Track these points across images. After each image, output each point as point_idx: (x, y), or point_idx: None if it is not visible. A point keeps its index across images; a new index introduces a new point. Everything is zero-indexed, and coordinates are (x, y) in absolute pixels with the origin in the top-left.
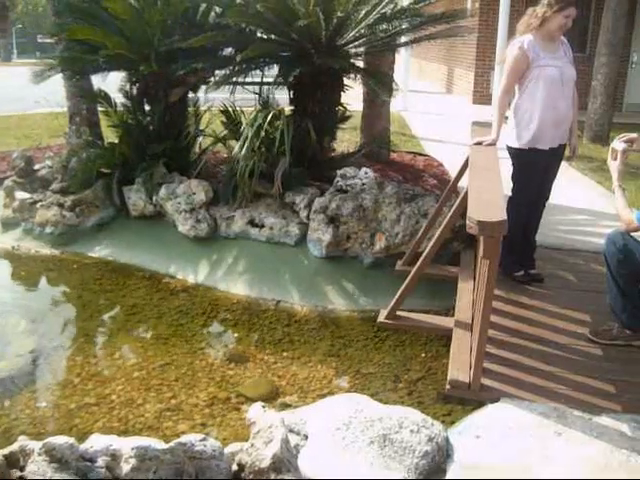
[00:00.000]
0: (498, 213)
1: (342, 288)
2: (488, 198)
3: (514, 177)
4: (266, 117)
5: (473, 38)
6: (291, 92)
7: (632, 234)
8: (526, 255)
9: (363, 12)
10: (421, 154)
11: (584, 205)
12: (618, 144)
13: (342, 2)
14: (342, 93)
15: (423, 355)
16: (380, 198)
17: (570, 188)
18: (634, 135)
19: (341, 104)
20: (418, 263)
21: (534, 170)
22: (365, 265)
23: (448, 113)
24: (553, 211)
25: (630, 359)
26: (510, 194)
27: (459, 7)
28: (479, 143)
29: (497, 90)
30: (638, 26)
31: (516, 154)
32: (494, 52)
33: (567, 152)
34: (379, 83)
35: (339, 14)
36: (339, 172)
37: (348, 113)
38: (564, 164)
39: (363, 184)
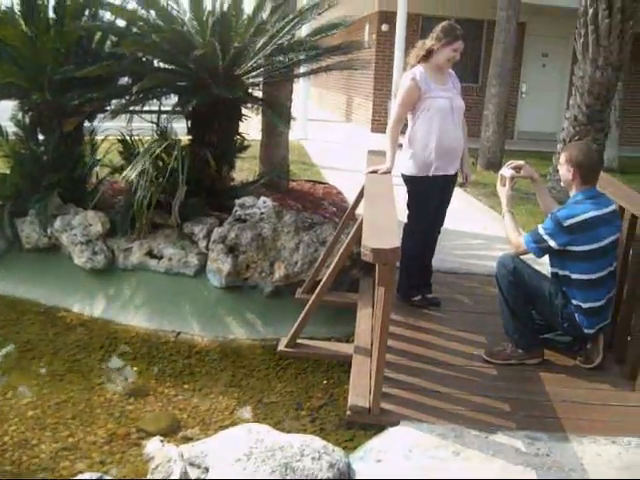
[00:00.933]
0: (391, 240)
1: (243, 318)
2: (382, 225)
3: (409, 204)
4: (162, 147)
5: (371, 68)
6: (189, 122)
7: (522, 257)
8: (423, 280)
9: (260, 43)
10: (320, 182)
11: (479, 229)
12: (506, 171)
13: (239, 33)
14: (241, 122)
15: (325, 382)
16: (279, 227)
17: (466, 213)
18: (521, 162)
19: (240, 133)
20: (316, 291)
21: (428, 197)
22: (265, 294)
23: (347, 141)
24: (450, 236)
25: (523, 377)
26: (406, 221)
27: (357, 38)
28: (374, 172)
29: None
30: (526, 58)
31: (410, 182)
32: (391, 82)
33: (460, 179)
34: (277, 114)
35: (236, 44)
36: (237, 202)
37: (247, 142)
38: (460, 190)
39: (262, 213)
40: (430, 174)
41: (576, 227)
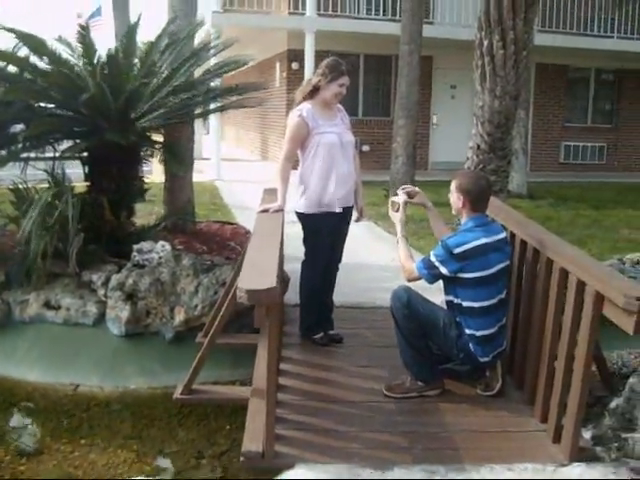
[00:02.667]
0: (267, 280)
1: (144, 366)
2: (260, 266)
3: (305, 241)
4: (54, 194)
5: (283, 106)
6: (86, 167)
7: (414, 285)
8: (324, 316)
9: (154, 85)
10: (229, 223)
11: (385, 262)
12: (398, 197)
13: (131, 75)
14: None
15: (228, 427)
16: (177, 271)
17: (374, 246)
18: (414, 188)
19: (140, 177)
20: (208, 336)
21: (323, 233)
22: (167, 340)
23: (262, 180)
24: (355, 269)
25: (423, 410)
26: (303, 258)
27: (270, 77)
28: (265, 210)
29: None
30: (435, 90)
31: (304, 219)
32: None
33: (355, 214)
34: (174, 158)
35: (129, 87)
36: (135, 247)
37: (148, 185)
38: (370, 222)
39: (160, 258)
40: (323, 211)
41: (466, 254)
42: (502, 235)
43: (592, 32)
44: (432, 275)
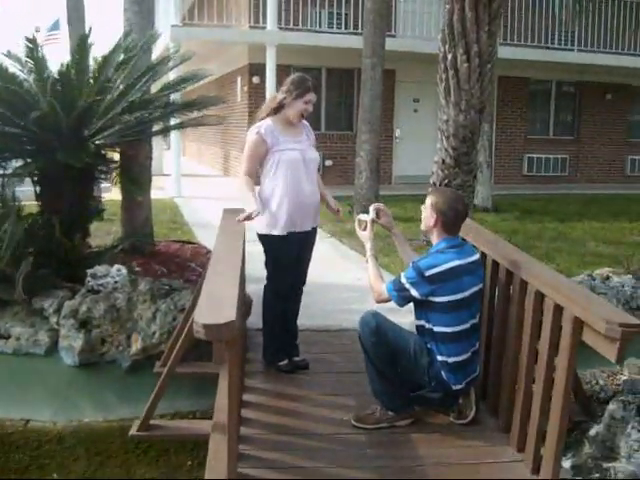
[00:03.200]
0: (226, 314)
1: (99, 398)
2: (219, 295)
3: (267, 264)
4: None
5: (244, 121)
6: (37, 186)
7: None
8: (288, 342)
9: (108, 101)
10: (189, 242)
11: (351, 281)
12: (371, 212)
13: (84, 92)
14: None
15: (190, 463)
16: (134, 296)
17: (339, 264)
18: (385, 209)
19: (95, 197)
20: (168, 364)
21: (285, 256)
22: (124, 369)
23: (223, 196)
24: (321, 290)
25: (393, 441)
26: (265, 282)
27: (230, 92)
28: (248, 217)
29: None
30: (398, 104)
31: (265, 240)
32: None
33: (337, 216)
34: (130, 179)
35: (81, 103)
36: (89, 271)
37: (107, 204)
38: (334, 239)
39: (115, 282)
40: (285, 232)
41: (438, 277)
42: (475, 257)
43: (553, 45)
44: (402, 297)
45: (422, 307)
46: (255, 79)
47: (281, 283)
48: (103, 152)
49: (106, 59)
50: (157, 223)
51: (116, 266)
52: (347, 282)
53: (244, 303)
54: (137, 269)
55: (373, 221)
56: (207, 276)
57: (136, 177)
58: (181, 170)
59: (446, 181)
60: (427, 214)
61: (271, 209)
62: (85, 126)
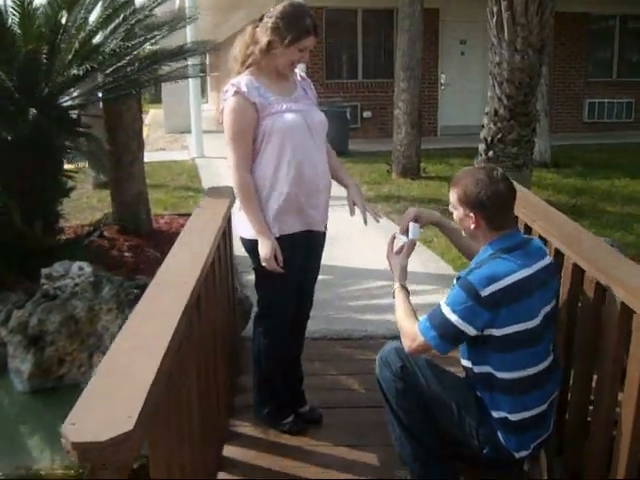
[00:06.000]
0: (123, 419)
1: (56, 434)
2: (125, 371)
3: (259, 287)
4: None
5: None
6: None
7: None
8: (292, 391)
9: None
10: None
11: (385, 265)
12: (411, 230)
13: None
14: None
15: None
16: (96, 304)
17: (369, 242)
18: (418, 211)
19: (66, 173)
20: None
21: (287, 269)
22: None
23: None
24: (345, 280)
25: None
26: (257, 313)
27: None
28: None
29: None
30: (443, 47)
31: (255, 250)
32: None
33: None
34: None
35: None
36: (44, 271)
37: (74, 183)
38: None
39: (75, 285)
40: (283, 233)
41: (502, 296)
42: (547, 260)
43: None
44: (448, 340)
45: (475, 344)
46: None
47: (279, 313)
48: (74, 116)
49: None
50: (170, 191)
51: (77, 264)
52: (380, 266)
53: (240, 302)
54: (127, 251)
55: (414, 243)
56: (126, 325)
57: (122, 143)
58: (204, 126)
59: (499, 135)
60: (459, 215)
61: (263, 202)
62: (34, 84)
